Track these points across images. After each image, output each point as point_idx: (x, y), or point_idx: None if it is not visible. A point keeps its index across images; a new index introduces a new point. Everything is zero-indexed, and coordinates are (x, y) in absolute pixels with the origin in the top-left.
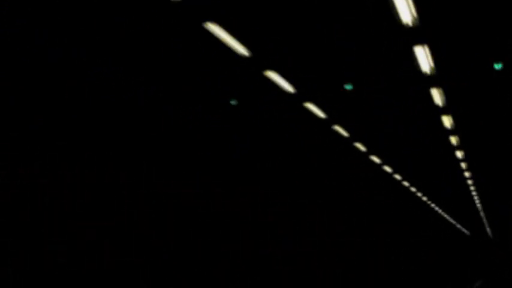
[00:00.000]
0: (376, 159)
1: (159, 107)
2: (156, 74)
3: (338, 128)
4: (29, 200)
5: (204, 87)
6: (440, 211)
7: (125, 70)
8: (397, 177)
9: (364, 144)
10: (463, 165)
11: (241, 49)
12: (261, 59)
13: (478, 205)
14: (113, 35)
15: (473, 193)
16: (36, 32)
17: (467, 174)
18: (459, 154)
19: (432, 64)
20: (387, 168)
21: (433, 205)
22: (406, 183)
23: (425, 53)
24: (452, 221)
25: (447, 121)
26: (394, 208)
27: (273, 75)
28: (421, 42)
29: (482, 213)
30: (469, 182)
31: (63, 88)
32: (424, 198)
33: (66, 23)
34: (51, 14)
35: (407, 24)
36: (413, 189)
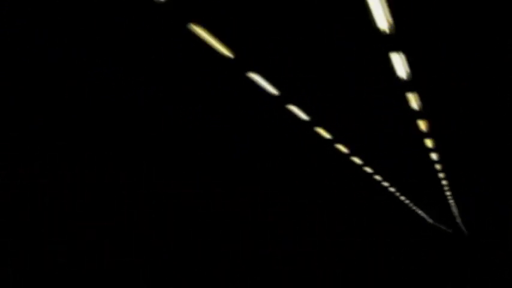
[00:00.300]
0: (357, 160)
1: (159, 107)
2: (156, 74)
3: (320, 130)
4: (29, 200)
5: (204, 87)
6: (420, 212)
7: (125, 70)
8: (378, 177)
9: (346, 146)
10: (438, 166)
11: (224, 51)
12: (244, 61)
13: (452, 202)
14: (113, 35)
15: (448, 193)
16: (36, 32)
17: (441, 175)
18: (434, 156)
19: (408, 70)
20: (368, 169)
21: (413, 207)
22: (386, 184)
23: (401, 59)
24: (431, 220)
25: (423, 125)
26: (375, 207)
27: (256, 77)
28: (396, 49)
29: (456, 212)
30: (444, 182)
31: (63, 88)
32: (402, 198)
33: (66, 23)
34: (51, 14)
35: (384, 31)
36: (392, 189)
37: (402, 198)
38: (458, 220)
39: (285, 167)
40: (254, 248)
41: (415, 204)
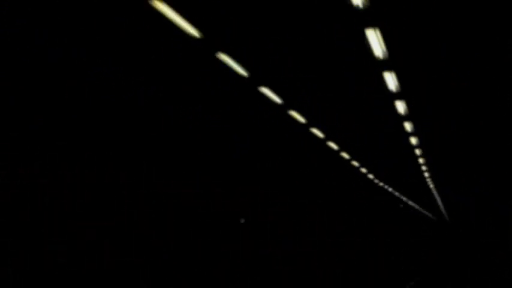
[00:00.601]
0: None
1: (159, 107)
2: (156, 74)
3: (294, 114)
4: (29, 200)
5: (204, 87)
6: (410, 202)
7: (125, 70)
8: (355, 163)
9: (321, 131)
10: (417, 151)
11: (191, 30)
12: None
13: (433, 190)
14: (113, 35)
15: (428, 179)
16: (36, 32)
17: (421, 160)
18: (413, 140)
19: (384, 48)
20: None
21: (396, 193)
22: (364, 170)
23: (377, 37)
24: (419, 208)
25: (401, 106)
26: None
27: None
28: (372, 25)
29: (438, 199)
30: (424, 168)
31: (63, 88)
32: (386, 186)
33: (66, 23)
34: (51, 14)
35: (357, 6)
36: (371, 176)
37: (394, 192)
38: (442, 208)
39: (284, 167)
40: (254, 248)
41: (406, 196)
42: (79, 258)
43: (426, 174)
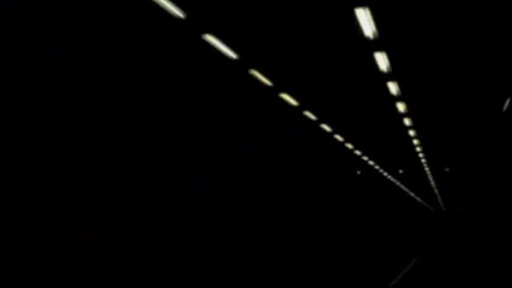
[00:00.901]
0: (327, 127)
1: (159, 107)
2: (156, 74)
3: (286, 96)
4: (29, 200)
5: (204, 87)
6: (412, 194)
7: (125, 70)
8: (350, 146)
9: (314, 113)
10: (412, 132)
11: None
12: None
13: (434, 187)
14: (113, 35)
15: (430, 178)
16: (36, 32)
17: (415, 141)
18: (407, 121)
19: (375, 28)
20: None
21: (392, 179)
22: (358, 152)
23: (367, 16)
24: (417, 198)
25: (393, 88)
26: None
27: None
28: (362, 4)
29: (437, 193)
30: (420, 154)
31: (63, 88)
32: (384, 172)
33: (66, 23)
34: (51, 14)
35: None
36: (371, 162)
37: (399, 184)
38: (439, 199)
39: (284, 167)
40: (254, 248)
41: (410, 189)
42: (79, 258)
43: (428, 172)
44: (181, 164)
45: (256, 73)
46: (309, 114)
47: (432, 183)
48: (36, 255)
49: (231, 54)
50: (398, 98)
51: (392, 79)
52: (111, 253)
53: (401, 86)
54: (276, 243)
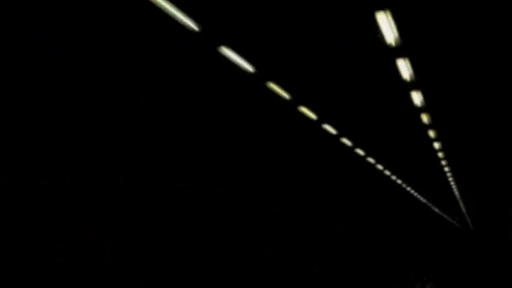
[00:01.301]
0: (347, 141)
1: (159, 107)
2: (156, 74)
3: (304, 109)
4: (29, 200)
5: (204, 87)
6: (437, 210)
7: (125, 70)
8: (371, 160)
9: (334, 127)
10: (445, 164)
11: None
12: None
13: (461, 203)
14: (113, 35)
15: (456, 193)
16: (36, 32)
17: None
18: (440, 155)
19: (397, 34)
20: (362, 153)
21: (434, 207)
22: (387, 173)
23: (389, 23)
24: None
25: (417, 98)
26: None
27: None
28: (383, 8)
29: (464, 210)
30: (453, 185)
31: (63, 88)
32: (410, 190)
33: (66, 23)
34: (51, 14)
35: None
36: (395, 178)
37: (424, 201)
38: (466, 217)
39: (284, 167)
40: (254, 248)
41: (435, 205)
42: (79, 258)
43: (454, 188)
44: (181, 164)
45: (272, 85)
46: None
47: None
48: (36, 255)
49: (248, 66)
50: (422, 109)
51: (416, 88)
52: (111, 253)
53: (425, 95)
54: (276, 243)
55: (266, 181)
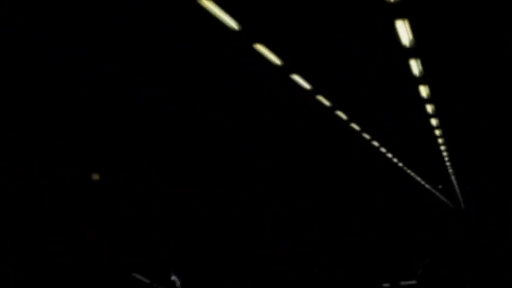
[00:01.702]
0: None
1: (159, 107)
2: (156, 74)
3: (321, 98)
4: (29, 199)
5: (204, 87)
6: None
7: (125, 70)
8: (376, 143)
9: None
10: (437, 132)
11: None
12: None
13: (456, 185)
14: (113, 35)
15: (452, 177)
16: (36, 32)
17: (440, 140)
18: (434, 122)
19: (411, 36)
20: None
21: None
22: (382, 150)
23: (405, 27)
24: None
25: (424, 91)
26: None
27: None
28: (402, 16)
29: (458, 192)
30: (444, 153)
31: (63, 88)
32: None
33: (66, 23)
34: (51, 14)
35: (388, 0)
36: (390, 155)
37: (422, 181)
38: (460, 198)
39: (284, 167)
40: (254, 248)
41: (432, 186)
42: (79, 258)
43: (450, 171)
44: (181, 164)
45: (295, 76)
46: (341, 114)
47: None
48: (36, 255)
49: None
50: (428, 100)
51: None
52: (111, 253)
53: (431, 89)
54: (276, 243)
55: (266, 181)
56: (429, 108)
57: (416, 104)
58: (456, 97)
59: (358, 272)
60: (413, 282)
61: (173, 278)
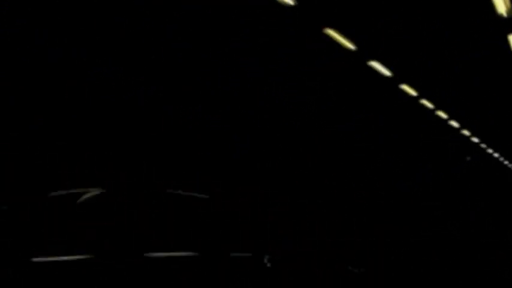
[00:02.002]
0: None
1: (159, 107)
2: (156, 74)
3: (405, 87)
4: (30, 199)
5: (204, 87)
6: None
7: (125, 70)
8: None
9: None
10: None
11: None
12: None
13: None
14: (113, 35)
15: None
16: (36, 32)
17: None
18: None
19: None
20: None
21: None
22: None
23: None
24: None
25: None
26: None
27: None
28: None
29: None
30: None
31: (63, 88)
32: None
33: (66, 23)
34: (51, 14)
35: None
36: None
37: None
38: None
39: (284, 166)
40: (254, 248)
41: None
42: (79, 258)
43: None
44: (181, 163)
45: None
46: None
47: None
48: (36, 255)
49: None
50: None
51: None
52: (110, 253)
53: None
54: (276, 243)
55: (266, 181)
56: None
57: None
58: None
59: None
60: None
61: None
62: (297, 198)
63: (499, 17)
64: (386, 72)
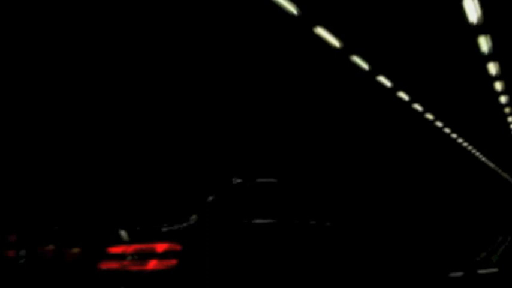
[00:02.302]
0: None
1: (159, 107)
2: (156, 74)
3: (381, 79)
4: (30, 198)
5: (205, 87)
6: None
7: (125, 70)
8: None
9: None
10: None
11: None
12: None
13: None
14: (113, 34)
15: None
16: (36, 32)
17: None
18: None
19: (480, 13)
20: None
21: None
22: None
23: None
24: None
25: (493, 68)
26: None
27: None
28: None
29: None
30: None
31: (63, 88)
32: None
33: (66, 23)
34: (51, 14)
35: None
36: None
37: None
38: None
39: (285, 167)
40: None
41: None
42: (79, 258)
43: None
44: (181, 164)
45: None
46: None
47: None
48: (36, 255)
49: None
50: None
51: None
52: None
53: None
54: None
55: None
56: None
57: (484, 81)
58: None
59: (418, 258)
60: (494, 270)
61: None
62: None
63: (470, 24)
64: (364, 65)
